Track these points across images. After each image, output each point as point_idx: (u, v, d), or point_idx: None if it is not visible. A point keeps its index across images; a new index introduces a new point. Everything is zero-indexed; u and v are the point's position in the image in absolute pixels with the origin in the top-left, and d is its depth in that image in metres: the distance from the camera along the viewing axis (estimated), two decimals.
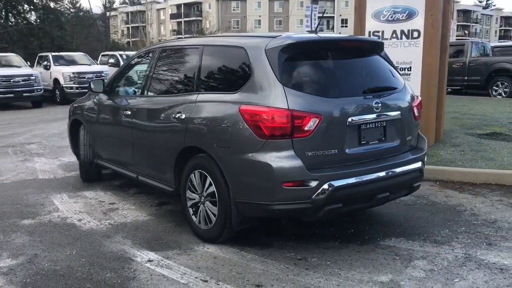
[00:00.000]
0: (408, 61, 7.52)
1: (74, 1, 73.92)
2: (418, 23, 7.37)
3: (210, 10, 72.59)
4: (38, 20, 36.61)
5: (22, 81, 16.27)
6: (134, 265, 3.74)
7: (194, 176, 4.16)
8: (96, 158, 5.96)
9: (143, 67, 5.20)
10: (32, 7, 36.63)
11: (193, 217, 4.26)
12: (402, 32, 7.51)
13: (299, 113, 3.50)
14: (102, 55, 23.00)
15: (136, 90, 5.20)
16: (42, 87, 16.79)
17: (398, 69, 7.59)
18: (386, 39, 7.64)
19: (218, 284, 3.40)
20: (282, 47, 3.70)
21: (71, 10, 70.62)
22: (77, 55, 20.17)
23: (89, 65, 18.81)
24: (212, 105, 4.01)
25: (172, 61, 4.85)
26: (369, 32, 7.76)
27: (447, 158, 6.69)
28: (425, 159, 4.38)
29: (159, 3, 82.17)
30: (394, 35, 7.57)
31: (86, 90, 6.85)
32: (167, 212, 5.00)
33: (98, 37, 48.45)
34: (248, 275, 3.53)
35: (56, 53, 19.68)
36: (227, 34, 4.45)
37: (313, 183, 3.50)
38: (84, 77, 17.11)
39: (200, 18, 74.54)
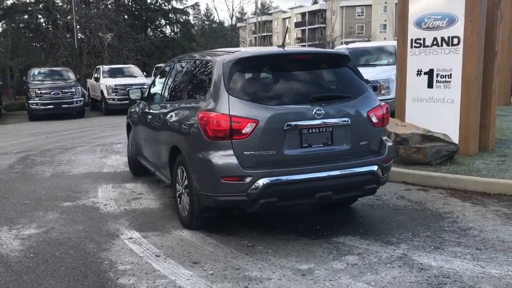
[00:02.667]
0: (449, 68, 7.45)
1: (208, 14, 79.18)
2: (458, 29, 7.29)
3: (334, 16, 72.81)
4: (172, 33, 40.66)
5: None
6: (116, 240, 4.60)
7: (179, 171, 4.91)
8: (138, 155, 7.02)
9: (164, 78, 6.11)
10: (167, 21, 40.84)
11: (179, 206, 5.01)
12: (442, 39, 7.47)
13: (237, 118, 4.06)
14: None
15: (157, 97, 6.12)
16: None
17: (439, 77, 7.59)
18: (427, 46, 7.66)
19: (165, 259, 4.10)
20: (234, 61, 4.30)
21: (206, 22, 75.90)
22: None
23: None
24: (187, 111, 4.73)
25: (176, 72, 5.67)
26: (411, 40, 7.83)
27: (476, 167, 6.55)
28: (387, 164, 4.58)
29: (285, 12, 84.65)
30: (435, 42, 7.56)
31: None
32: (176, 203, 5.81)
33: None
34: (194, 255, 4.17)
35: None
36: (211, 50, 5.03)
37: (248, 179, 4.04)
38: None
39: (324, 25, 75.20)
